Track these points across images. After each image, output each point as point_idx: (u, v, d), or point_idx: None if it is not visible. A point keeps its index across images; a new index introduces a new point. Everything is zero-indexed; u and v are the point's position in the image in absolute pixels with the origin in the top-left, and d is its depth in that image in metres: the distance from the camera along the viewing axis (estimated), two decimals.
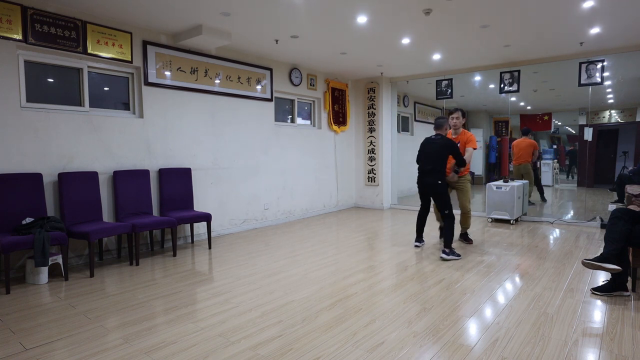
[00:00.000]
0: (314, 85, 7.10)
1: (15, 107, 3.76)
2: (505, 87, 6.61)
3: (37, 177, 3.82)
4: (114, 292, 3.32)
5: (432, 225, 5.74)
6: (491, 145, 9.99)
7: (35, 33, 3.84)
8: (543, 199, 8.26)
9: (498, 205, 6.24)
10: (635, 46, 5.50)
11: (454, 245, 4.52)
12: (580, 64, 5.93)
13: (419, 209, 4.82)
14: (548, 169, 10.16)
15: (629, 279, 3.26)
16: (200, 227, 5.28)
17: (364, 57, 6.24)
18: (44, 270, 3.57)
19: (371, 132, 7.94)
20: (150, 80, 4.75)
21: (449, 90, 7.27)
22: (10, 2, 3.68)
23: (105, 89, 4.64)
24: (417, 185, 4.65)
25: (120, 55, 4.48)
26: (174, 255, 4.47)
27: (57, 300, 3.14)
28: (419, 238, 4.83)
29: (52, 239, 3.48)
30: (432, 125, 4.70)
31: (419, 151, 4.63)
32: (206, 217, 4.78)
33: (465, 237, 4.99)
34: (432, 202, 4.69)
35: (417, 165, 4.62)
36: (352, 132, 8.15)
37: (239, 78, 5.77)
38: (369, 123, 7.96)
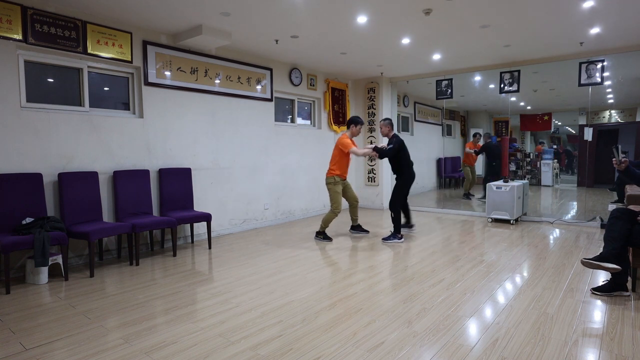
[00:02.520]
0: (314, 85, 7.10)
1: (15, 107, 3.76)
2: (505, 87, 6.62)
3: (37, 177, 3.82)
4: (114, 292, 3.32)
5: (427, 222, 5.72)
6: None
7: (35, 33, 3.84)
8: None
9: (498, 205, 6.24)
10: (635, 46, 5.50)
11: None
12: (580, 64, 5.93)
13: (401, 201, 5.32)
14: (548, 169, 10.17)
15: (629, 279, 3.26)
16: (200, 227, 5.28)
17: (364, 57, 6.24)
18: (44, 270, 3.57)
19: (371, 132, 7.94)
20: (150, 80, 4.75)
21: (449, 90, 7.27)
22: (10, 2, 3.68)
23: (105, 89, 4.64)
24: (411, 180, 5.26)
25: (120, 55, 4.48)
26: (174, 255, 4.47)
27: (57, 300, 3.14)
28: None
29: (52, 239, 3.48)
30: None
31: (406, 150, 5.23)
32: (206, 217, 4.78)
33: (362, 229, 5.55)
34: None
35: (409, 162, 5.23)
36: None
37: (239, 78, 5.77)
38: (369, 123, 7.96)
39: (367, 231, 5.53)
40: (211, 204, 5.46)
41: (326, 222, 5.12)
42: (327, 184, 5.10)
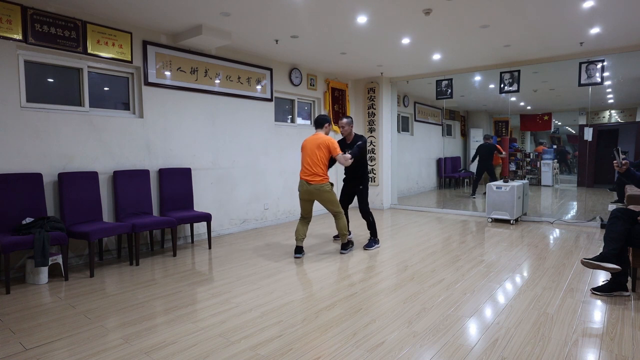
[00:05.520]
0: (314, 85, 7.10)
1: (15, 107, 3.76)
2: (505, 87, 6.62)
3: (37, 177, 3.82)
4: (114, 292, 3.32)
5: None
6: None
7: (35, 33, 3.83)
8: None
9: (498, 205, 6.24)
10: (635, 46, 5.50)
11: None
12: (580, 64, 5.93)
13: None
14: (548, 169, 10.17)
15: (629, 279, 3.26)
16: (200, 227, 5.28)
17: (364, 57, 6.24)
18: (44, 270, 3.57)
19: (371, 132, 7.94)
20: (150, 80, 4.75)
21: (449, 90, 7.27)
22: (10, 2, 3.68)
23: (105, 89, 4.64)
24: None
25: (120, 55, 4.48)
26: (174, 255, 4.47)
27: (57, 300, 3.14)
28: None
29: (52, 239, 3.48)
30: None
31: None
32: (206, 217, 4.78)
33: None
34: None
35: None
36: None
37: (239, 78, 5.77)
38: (369, 123, 7.97)
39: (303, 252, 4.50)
40: (211, 204, 5.46)
41: (345, 228, 4.48)
42: (325, 192, 4.28)
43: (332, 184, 4.40)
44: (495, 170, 9.01)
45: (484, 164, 8.73)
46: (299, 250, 4.40)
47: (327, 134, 4.49)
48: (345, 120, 4.75)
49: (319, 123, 4.49)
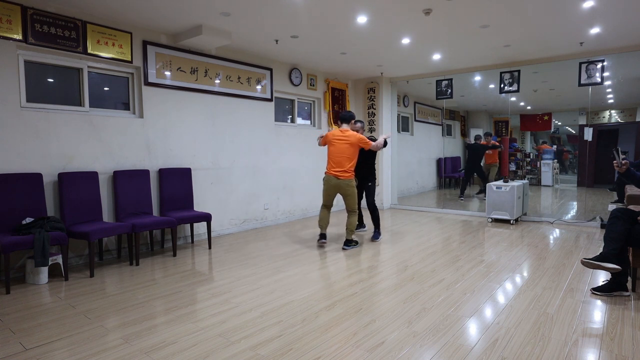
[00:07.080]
0: (314, 85, 7.10)
1: (15, 107, 3.76)
2: (505, 87, 6.61)
3: (37, 177, 3.82)
4: (114, 292, 3.32)
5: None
6: None
7: (35, 33, 3.84)
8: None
9: (498, 205, 6.24)
10: (635, 46, 5.50)
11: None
12: (580, 64, 5.93)
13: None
14: (548, 169, 10.17)
15: (629, 279, 3.26)
16: (200, 227, 5.28)
17: (364, 57, 6.24)
18: (44, 270, 3.57)
19: (371, 132, 7.94)
20: (150, 80, 4.75)
21: (449, 90, 7.27)
22: (10, 2, 3.68)
23: (105, 89, 4.64)
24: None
25: (120, 55, 4.48)
26: (174, 255, 4.47)
27: (57, 300, 3.14)
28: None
29: (52, 239, 3.48)
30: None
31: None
32: (206, 217, 4.78)
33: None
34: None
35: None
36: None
37: (239, 78, 5.77)
38: (369, 123, 7.97)
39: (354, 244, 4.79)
40: (211, 204, 5.46)
41: (354, 225, 4.76)
42: (352, 187, 4.63)
43: (357, 180, 4.81)
44: (491, 170, 9.00)
45: (472, 165, 8.70)
46: (323, 236, 4.79)
47: (355, 130, 4.83)
48: (359, 124, 5.11)
49: (347, 118, 4.78)
